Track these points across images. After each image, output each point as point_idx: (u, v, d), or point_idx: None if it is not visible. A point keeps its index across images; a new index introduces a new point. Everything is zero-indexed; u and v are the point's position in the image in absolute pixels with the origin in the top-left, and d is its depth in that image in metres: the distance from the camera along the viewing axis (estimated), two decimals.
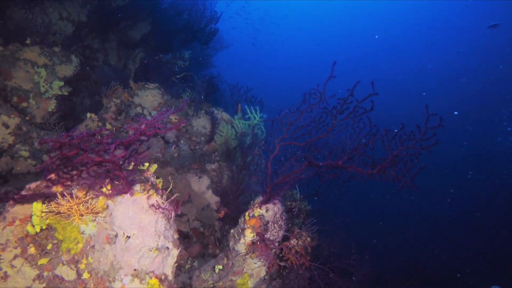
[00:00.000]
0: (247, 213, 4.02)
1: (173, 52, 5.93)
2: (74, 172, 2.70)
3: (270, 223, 3.89)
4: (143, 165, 3.41)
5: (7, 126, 4.90)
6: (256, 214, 3.95)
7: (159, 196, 3.12)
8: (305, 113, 3.50)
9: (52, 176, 2.72)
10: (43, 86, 5.58)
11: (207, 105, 5.64)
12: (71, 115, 6.19)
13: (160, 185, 3.55)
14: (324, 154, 3.48)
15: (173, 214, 3.26)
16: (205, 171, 5.15)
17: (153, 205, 3.03)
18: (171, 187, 3.60)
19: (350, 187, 4.56)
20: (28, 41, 5.45)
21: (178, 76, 5.54)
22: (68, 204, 2.83)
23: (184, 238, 5.13)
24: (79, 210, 2.89)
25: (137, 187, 3.07)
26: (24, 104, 5.45)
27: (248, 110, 4.63)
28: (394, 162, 3.20)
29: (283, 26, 46.18)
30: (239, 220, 4.16)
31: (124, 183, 2.98)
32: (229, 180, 5.16)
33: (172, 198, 3.21)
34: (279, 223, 3.89)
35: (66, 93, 5.85)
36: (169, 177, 4.99)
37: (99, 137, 2.32)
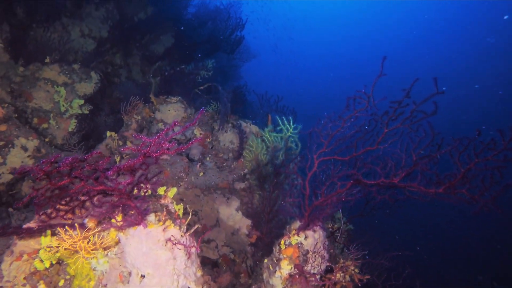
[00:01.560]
0: (282, 241, 3.44)
1: (195, 62, 5.57)
2: (75, 203, 2.26)
3: (310, 253, 3.29)
4: (158, 191, 2.95)
5: (25, 149, 4.65)
6: (293, 243, 3.36)
7: (177, 228, 2.63)
8: (348, 122, 2.92)
9: (49, 210, 2.30)
10: (63, 105, 5.35)
11: (234, 117, 5.17)
12: (93, 134, 5.93)
13: (180, 212, 3.06)
14: (373, 171, 2.86)
15: (194, 249, 2.75)
16: (234, 191, 4.64)
17: (169, 239, 2.53)
18: (190, 212, 3.11)
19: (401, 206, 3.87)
20: (47, 60, 5.25)
21: (202, 88, 5.13)
22: (71, 240, 2.40)
23: (212, 267, 4.61)
24: (85, 246, 2.45)
25: (151, 217, 2.59)
26: (45, 125, 5.22)
27: (279, 121, 4.09)
28: (466, 179, 2.53)
29: (304, 30, 45.38)
30: (274, 249, 3.59)
31: (136, 213, 2.52)
32: (260, 200, 4.61)
33: (194, 229, 2.70)
34: (321, 253, 3.28)
35: (87, 112, 5.60)
36: (194, 199, 4.52)
37: (96, 162, 1.86)
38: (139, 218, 2.53)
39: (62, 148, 5.26)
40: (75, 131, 5.46)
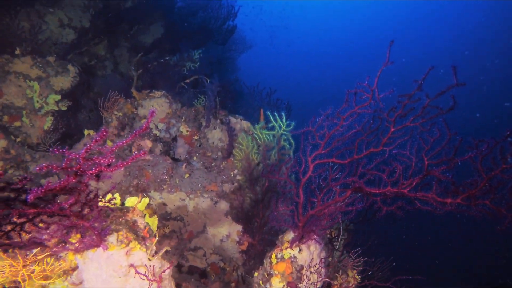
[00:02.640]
0: (273, 254, 3.03)
1: (180, 53, 5.11)
2: (8, 228, 1.83)
3: (305, 270, 2.88)
4: (126, 202, 2.52)
5: None
6: (286, 257, 2.95)
7: (145, 249, 2.21)
8: (348, 119, 2.48)
9: None
10: (38, 101, 4.91)
11: (223, 113, 4.72)
12: (75, 132, 5.49)
13: (154, 227, 2.65)
14: (377, 177, 2.43)
15: (168, 272, 2.33)
16: (223, 194, 4.22)
17: (132, 265, 2.11)
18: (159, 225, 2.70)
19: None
20: (18, 51, 4.80)
21: (188, 81, 4.69)
22: (12, 269, 1.98)
23: (200, 276, 4.22)
24: (29, 274, 2.03)
25: (113, 237, 2.17)
26: (17, 124, 4.79)
27: (271, 117, 3.65)
28: (490, 187, 2.10)
29: (303, 19, 43.99)
30: (265, 261, 3.18)
31: (93, 233, 2.10)
32: (252, 204, 4.20)
33: (162, 251, 2.27)
34: (317, 269, 2.87)
35: (65, 108, 5.15)
36: (179, 204, 4.11)
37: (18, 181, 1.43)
38: (97, 239, 2.11)
39: (37, 148, 4.83)
40: (51, 129, 5.02)
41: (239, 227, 4.18)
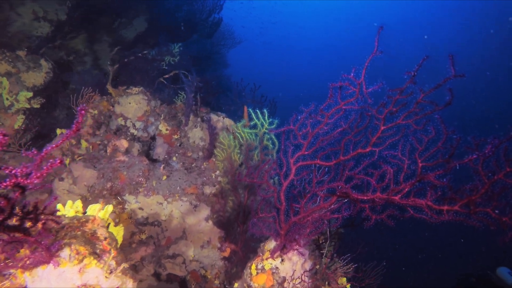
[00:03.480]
0: (253, 265, 2.78)
1: (159, 47, 4.82)
2: None
3: (288, 282, 2.63)
4: (88, 210, 2.24)
5: None
6: (266, 267, 2.69)
7: (102, 265, 1.93)
8: (333, 117, 2.22)
9: None
10: (7, 99, 4.58)
11: (205, 110, 4.44)
12: (50, 132, 5.17)
13: (119, 237, 2.37)
14: (365, 181, 2.18)
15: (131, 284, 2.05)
16: (203, 197, 3.95)
17: (85, 285, 1.84)
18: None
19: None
20: None
21: (167, 76, 4.40)
22: None
23: (180, 285, 3.95)
24: None
25: (65, 252, 1.89)
26: None
27: (253, 115, 3.39)
28: (492, 193, 1.86)
29: (295, 16, 43.46)
30: (244, 272, 2.92)
31: (42, 248, 1.81)
32: (235, 207, 3.93)
33: (121, 268, 1.99)
34: (301, 282, 2.62)
35: (37, 106, 4.84)
36: (156, 208, 3.83)
37: None
38: (46, 255, 1.83)
39: (7, 148, 4.51)
40: (23, 128, 4.71)
41: (221, 233, 3.92)
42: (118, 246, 2.23)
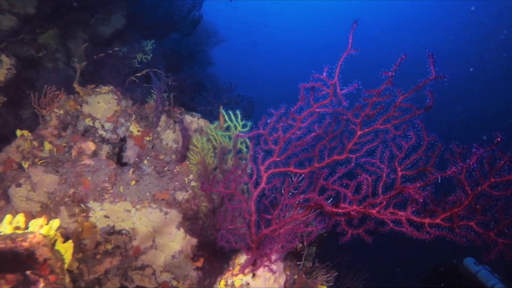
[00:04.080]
0: (223, 281, 2.56)
1: (131, 44, 4.54)
2: None
3: None
4: (30, 225, 1.98)
5: None
6: (237, 284, 2.48)
7: None
8: (305, 121, 2.02)
9: None
10: None
11: (179, 111, 4.20)
12: (11, 133, 4.84)
13: (67, 255, 2.12)
14: (340, 192, 1.99)
15: None
16: (174, 203, 3.71)
17: None
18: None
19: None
20: None
21: (139, 74, 4.15)
22: None
23: None
24: None
25: None
26: None
27: (225, 116, 3.17)
28: (476, 206, 1.70)
29: (281, 17, 43.09)
30: None
31: None
32: (208, 214, 3.71)
33: None
34: None
35: None
36: (124, 216, 3.57)
37: None
38: None
39: None
40: None
41: (194, 241, 3.69)
42: (66, 266, 1.98)
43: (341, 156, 2.02)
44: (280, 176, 2.23)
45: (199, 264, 3.70)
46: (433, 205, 1.78)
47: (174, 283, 3.74)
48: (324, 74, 1.72)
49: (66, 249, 2.08)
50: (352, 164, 2.00)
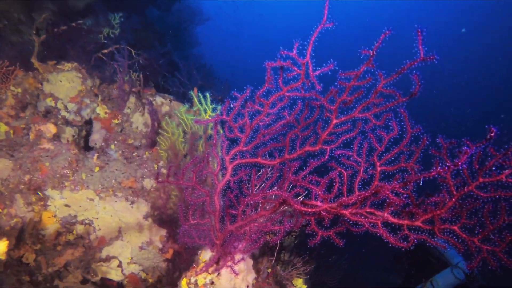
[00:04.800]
0: (185, 279, 2.35)
1: (96, 16, 4.14)
2: None
3: None
4: None
5: None
6: (200, 283, 2.27)
7: None
8: (274, 106, 1.77)
9: None
10: None
11: (150, 91, 3.89)
12: None
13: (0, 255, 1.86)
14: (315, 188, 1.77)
15: None
16: (142, 192, 3.46)
17: None
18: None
19: None
20: None
21: (106, 51, 3.79)
22: None
23: None
24: None
25: None
26: None
27: (195, 98, 2.90)
28: (461, 208, 1.50)
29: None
30: (178, 285, 2.49)
31: None
32: (179, 203, 3.47)
33: None
34: None
35: None
36: (87, 205, 3.31)
37: None
38: None
39: None
40: None
41: (163, 232, 3.46)
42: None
43: (314, 148, 1.79)
44: (247, 167, 2.00)
45: (169, 256, 3.49)
46: (414, 206, 1.57)
47: (143, 275, 3.53)
48: (294, 51, 1.46)
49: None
50: (327, 157, 1.77)
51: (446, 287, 3.67)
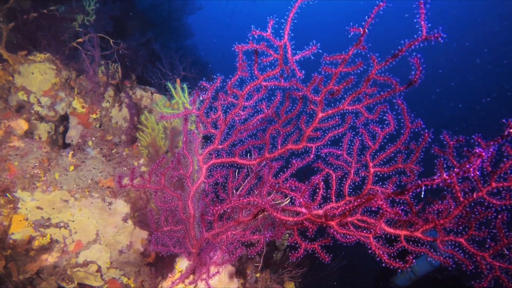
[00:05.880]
0: None
1: (68, 3, 3.83)
2: None
3: None
4: None
5: None
6: None
7: None
8: (251, 98, 1.53)
9: None
10: None
11: (129, 83, 3.63)
12: None
13: None
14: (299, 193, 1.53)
15: None
16: (122, 192, 3.22)
17: None
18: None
19: None
20: None
21: (81, 40, 3.52)
22: None
23: None
24: None
25: None
26: None
27: (172, 91, 2.65)
28: (468, 217, 1.27)
29: None
30: None
31: None
32: (148, 208, 3.24)
33: None
34: None
35: None
36: (61, 207, 3.07)
37: None
38: None
39: None
40: None
41: (144, 234, 3.23)
42: None
43: (297, 146, 1.55)
44: (224, 168, 1.75)
45: (151, 259, 3.26)
46: (413, 215, 1.33)
47: (124, 279, 3.31)
48: (269, 31, 1.21)
49: None
50: (312, 156, 1.53)
51: (422, 273, 3.74)
